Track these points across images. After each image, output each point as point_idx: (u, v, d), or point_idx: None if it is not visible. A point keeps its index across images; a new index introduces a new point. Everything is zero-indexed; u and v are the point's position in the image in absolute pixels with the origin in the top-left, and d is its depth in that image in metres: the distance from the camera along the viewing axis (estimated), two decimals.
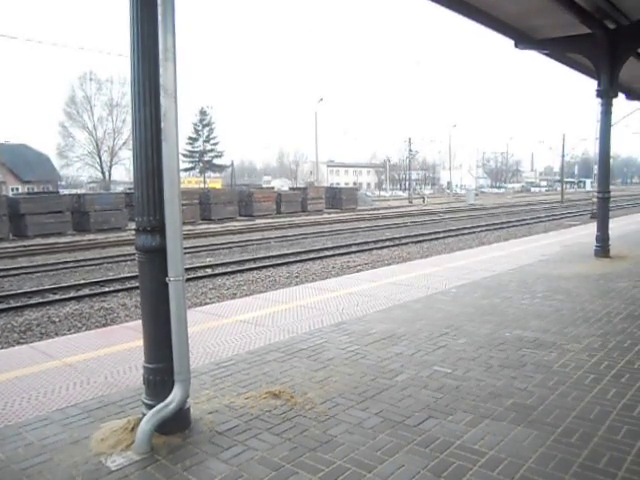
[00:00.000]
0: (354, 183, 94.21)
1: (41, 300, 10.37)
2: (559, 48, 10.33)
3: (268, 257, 15.81)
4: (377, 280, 7.62)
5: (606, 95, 9.46)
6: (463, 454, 2.71)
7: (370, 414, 3.21)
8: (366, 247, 17.86)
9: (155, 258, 2.97)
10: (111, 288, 11.43)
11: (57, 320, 8.96)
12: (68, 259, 16.61)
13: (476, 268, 8.49)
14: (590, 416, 3.13)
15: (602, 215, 9.87)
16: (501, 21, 9.09)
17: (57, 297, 10.62)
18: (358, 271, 11.96)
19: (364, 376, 3.84)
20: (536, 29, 9.50)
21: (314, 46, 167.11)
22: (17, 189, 48.65)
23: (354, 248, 17.59)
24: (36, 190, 42.66)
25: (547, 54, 10.84)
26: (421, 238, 20.33)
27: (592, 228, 10.97)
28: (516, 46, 9.92)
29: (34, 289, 11.45)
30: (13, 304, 10.05)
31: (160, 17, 2.82)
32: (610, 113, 9.66)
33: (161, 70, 2.85)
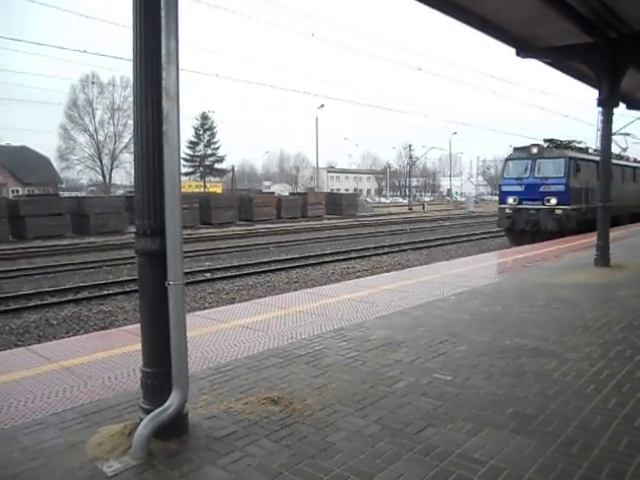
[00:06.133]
0: (354, 189, 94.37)
1: (39, 302, 10.34)
2: (560, 57, 10.36)
3: (267, 262, 15.79)
4: (376, 286, 7.59)
5: (607, 104, 9.48)
6: (463, 463, 2.69)
7: (369, 421, 3.18)
8: (366, 253, 17.86)
9: (155, 261, 2.95)
10: (110, 291, 11.42)
11: (55, 323, 8.93)
12: (67, 262, 16.59)
13: (476, 275, 8.47)
14: (591, 426, 3.10)
15: (602, 224, 9.86)
16: (503, 29, 9.12)
17: (56, 300, 10.60)
18: (357, 277, 11.94)
19: (363, 383, 3.82)
20: (538, 37, 9.53)
21: (316, 51, 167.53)
22: (18, 191, 48.66)
23: (353, 254, 17.59)
24: (36, 192, 42.61)
25: (548, 63, 10.88)
26: (421, 245, 20.34)
27: (592, 237, 10.96)
28: (517, 54, 9.94)
29: (33, 291, 11.42)
30: (12, 306, 10.02)
31: (163, 21, 2.82)
32: (611, 122, 9.69)
33: (164, 73, 2.85)
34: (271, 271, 14.16)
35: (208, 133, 73.99)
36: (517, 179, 18.74)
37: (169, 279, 2.92)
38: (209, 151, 74.28)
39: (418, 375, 3.96)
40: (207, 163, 73.86)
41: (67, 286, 12.10)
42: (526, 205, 18.33)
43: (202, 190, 58.64)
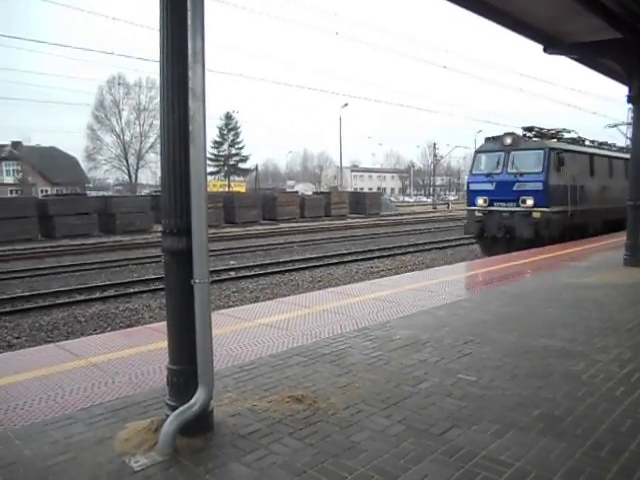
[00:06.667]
0: (378, 188, 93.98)
1: (68, 300, 10.55)
2: (589, 53, 10.17)
3: (291, 261, 15.83)
4: (400, 286, 7.56)
5: (638, 101, 9.27)
6: (488, 465, 2.66)
7: (393, 421, 3.17)
8: (389, 253, 17.78)
9: (181, 260, 2.98)
10: (136, 289, 11.56)
11: (83, 320, 9.09)
12: (94, 260, 16.88)
13: (501, 274, 8.36)
14: (621, 429, 3.04)
15: (632, 223, 9.66)
16: (530, 26, 9.00)
17: (83, 297, 10.80)
18: (381, 276, 11.90)
19: (387, 382, 3.80)
20: (566, 34, 9.38)
21: (340, 50, 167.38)
22: (46, 191, 49.65)
23: (377, 253, 17.54)
24: (65, 192, 43.43)
25: (576, 59, 10.69)
26: (445, 244, 20.17)
27: (621, 236, 10.74)
28: (545, 51, 9.79)
29: (61, 289, 11.66)
30: (41, 303, 10.25)
31: (190, 21, 2.85)
32: None
33: (190, 73, 2.87)
34: (295, 270, 14.20)
35: (232, 133, 74.35)
36: (488, 175, 15.23)
37: (195, 277, 2.95)
38: (233, 151, 74.65)
39: (442, 375, 3.93)
40: (231, 162, 74.27)
41: (94, 284, 12.32)
42: (498, 207, 14.94)
43: (226, 189, 59.05)
